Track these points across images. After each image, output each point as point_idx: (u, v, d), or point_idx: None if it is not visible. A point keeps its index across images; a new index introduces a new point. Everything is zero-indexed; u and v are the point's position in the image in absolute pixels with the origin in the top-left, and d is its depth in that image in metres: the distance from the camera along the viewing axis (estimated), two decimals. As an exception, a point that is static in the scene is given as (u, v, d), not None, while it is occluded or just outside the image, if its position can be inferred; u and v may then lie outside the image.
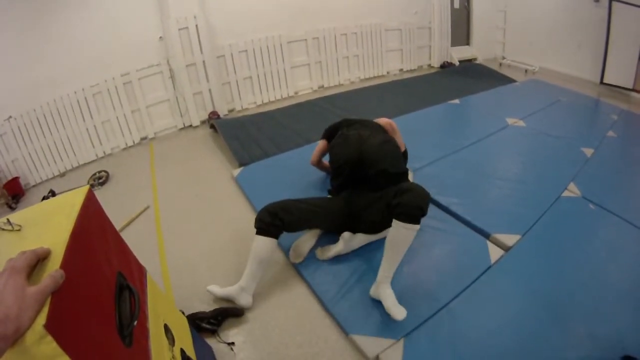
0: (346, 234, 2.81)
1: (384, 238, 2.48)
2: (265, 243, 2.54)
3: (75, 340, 0.83)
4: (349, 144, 2.96)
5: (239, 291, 2.53)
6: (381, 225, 2.72)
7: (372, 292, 2.44)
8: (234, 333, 2.41)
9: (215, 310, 2.47)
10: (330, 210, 2.84)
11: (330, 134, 3.46)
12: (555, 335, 2.21)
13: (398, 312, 2.24)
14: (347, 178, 2.95)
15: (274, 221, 2.55)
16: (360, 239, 2.86)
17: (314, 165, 3.70)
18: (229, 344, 2.32)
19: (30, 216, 1.11)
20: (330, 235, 2.97)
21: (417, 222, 2.28)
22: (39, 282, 0.80)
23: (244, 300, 2.53)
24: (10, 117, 4.47)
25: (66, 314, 0.84)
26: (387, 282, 2.39)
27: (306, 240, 2.94)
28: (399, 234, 2.31)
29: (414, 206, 2.25)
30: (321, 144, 3.57)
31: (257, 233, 2.57)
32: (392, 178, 2.81)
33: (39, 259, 0.88)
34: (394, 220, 2.32)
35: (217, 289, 2.58)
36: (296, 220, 2.64)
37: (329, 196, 3.15)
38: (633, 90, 7.02)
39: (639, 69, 6.84)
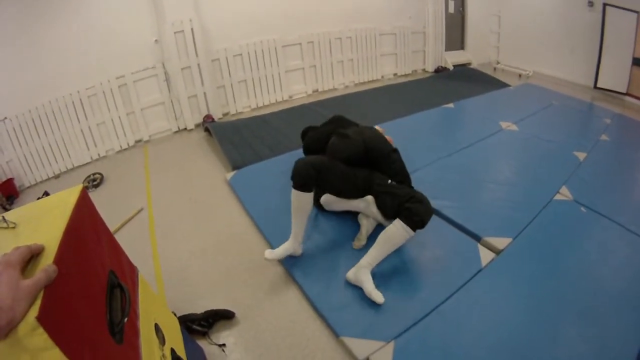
0: (369, 197, 3.04)
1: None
2: (307, 197, 2.67)
3: (67, 333, 0.84)
4: (350, 139, 3.05)
5: (294, 245, 2.79)
6: (386, 214, 2.92)
7: (351, 275, 2.62)
8: (225, 335, 2.43)
9: (206, 312, 2.48)
10: (354, 175, 2.99)
11: (309, 152, 3.58)
12: (546, 337, 2.23)
13: (378, 296, 2.45)
14: None
15: (317, 175, 2.66)
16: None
17: None
18: (220, 345, 2.34)
19: (25, 214, 1.12)
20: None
21: (415, 229, 2.50)
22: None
23: (300, 249, 2.86)
24: (5, 118, 4.46)
25: (58, 307, 0.85)
26: (369, 268, 2.58)
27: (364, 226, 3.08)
28: (398, 232, 2.52)
29: (420, 217, 2.48)
30: None
31: (299, 189, 2.65)
32: (392, 155, 3.06)
33: (33, 255, 0.90)
34: (397, 220, 2.53)
35: (274, 253, 2.73)
36: (330, 175, 2.80)
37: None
38: (627, 94, 7.08)
39: (633, 73, 6.91)
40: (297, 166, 2.66)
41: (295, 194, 2.66)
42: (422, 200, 2.56)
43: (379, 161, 3.04)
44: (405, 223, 2.49)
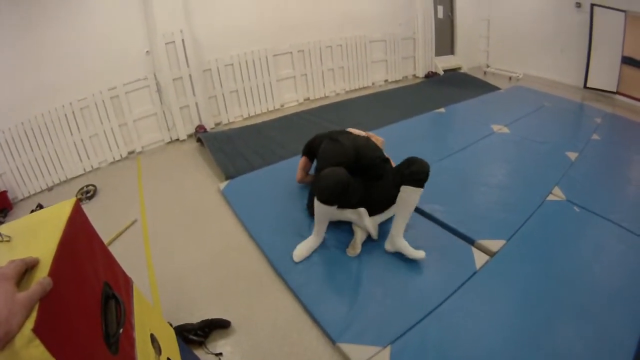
0: (361, 210, 3.09)
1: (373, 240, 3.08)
2: (332, 209, 2.79)
3: (63, 344, 0.85)
4: (343, 146, 3.15)
5: (318, 240, 3.00)
6: (390, 201, 3.05)
7: (388, 246, 2.95)
8: (221, 344, 2.42)
9: (202, 321, 2.47)
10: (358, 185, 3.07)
11: (310, 150, 3.62)
12: (543, 338, 2.24)
13: (420, 253, 2.79)
14: None
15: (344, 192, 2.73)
16: (374, 219, 3.15)
17: (301, 182, 3.83)
18: (216, 354, 2.33)
19: (19, 227, 1.13)
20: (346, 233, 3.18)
21: (422, 185, 2.77)
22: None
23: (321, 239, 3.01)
24: (-2, 131, 4.46)
25: (54, 319, 0.86)
26: (401, 235, 2.86)
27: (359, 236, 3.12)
28: (410, 196, 2.78)
29: (422, 173, 2.73)
30: (303, 160, 3.72)
31: (326, 204, 2.74)
32: (383, 165, 3.17)
33: (28, 268, 0.90)
34: (404, 187, 2.76)
35: (302, 253, 2.94)
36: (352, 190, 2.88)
37: None
38: (617, 93, 7.14)
39: (622, 72, 6.97)
40: (327, 183, 2.68)
41: (322, 207, 2.77)
42: (414, 161, 2.79)
43: (369, 169, 3.11)
44: (413, 185, 2.73)
